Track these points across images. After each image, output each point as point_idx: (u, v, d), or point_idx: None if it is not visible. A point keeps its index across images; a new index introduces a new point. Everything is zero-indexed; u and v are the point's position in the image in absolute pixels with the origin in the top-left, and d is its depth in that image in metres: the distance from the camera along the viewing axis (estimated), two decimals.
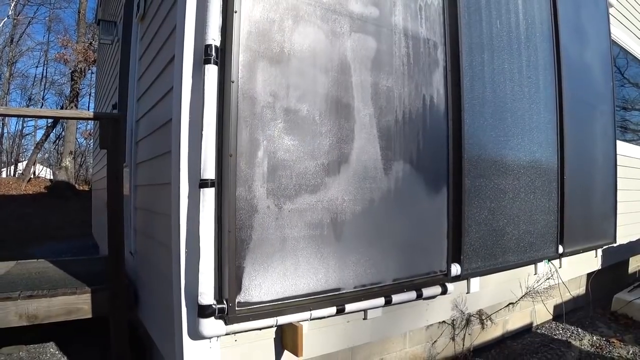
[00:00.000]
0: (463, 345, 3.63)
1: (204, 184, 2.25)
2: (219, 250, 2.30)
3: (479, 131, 3.45)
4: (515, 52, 3.78)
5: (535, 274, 4.18)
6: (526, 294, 3.99)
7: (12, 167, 28.46)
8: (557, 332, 4.37)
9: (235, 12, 2.32)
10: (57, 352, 3.88)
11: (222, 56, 2.33)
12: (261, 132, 2.40)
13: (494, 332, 3.93)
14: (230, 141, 2.30)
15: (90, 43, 20.41)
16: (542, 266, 4.22)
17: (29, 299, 3.15)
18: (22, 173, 21.76)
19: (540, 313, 4.47)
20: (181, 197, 2.34)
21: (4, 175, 25.80)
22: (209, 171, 2.26)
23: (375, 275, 2.82)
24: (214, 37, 2.30)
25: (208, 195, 2.25)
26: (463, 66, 3.30)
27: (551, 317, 4.66)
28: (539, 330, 4.39)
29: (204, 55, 2.29)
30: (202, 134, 2.26)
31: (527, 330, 4.33)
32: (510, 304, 3.93)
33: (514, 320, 4.16)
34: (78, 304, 3.27)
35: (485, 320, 3.74)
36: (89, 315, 3.30)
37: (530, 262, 4.00)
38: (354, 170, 2.73)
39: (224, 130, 2.31)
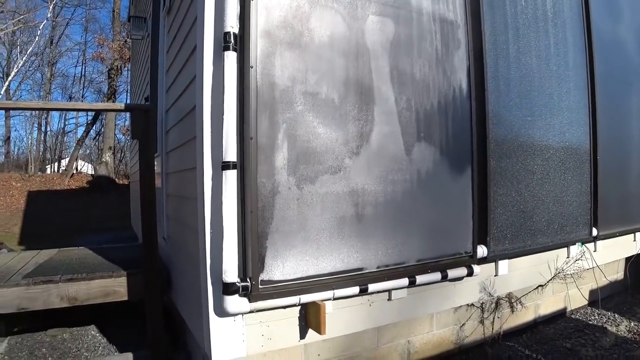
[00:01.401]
0: (492, 329, 3.59)
1: (226, 166, 2.33)
2: (242, 230, 2.37)
3: (504, 111, 3.40)
4: (542, 29, 3.69)
5: (567, 257, 4.09)
6: (555, 275, 3.91)
7: (56, 164, 29.71)
8: (592, 317, 4.27)
9: None
10: (97, 334, 4.07)
11: (241, 43, 2.39)
12: (280, 115, 2.46)
13: (524, 316, 3.88)
14: (250, 125, 2.37)
15: (125, 41, 20.97)
16: (576, 249, 4.12)
17: (69, 282, 3.33)
18: (65, 169, 22.68)
19: (575, 298, 4.37)
20: (205, 179, 2.43)
21: (48, 171, 26.97)
22: (230, 154, 2.33)
23: (398, 255, 2.84)
24: (232, 25, 2.36)
25: (230, 177, 2.33)
26: (486, 45, 3.25)
27: (586, 302, 4.54)
28: (573, 316, 4.30)
29: (223, 42, 2.36)
30: (223, 119, 2.34)
31: (560, 315, 4.25)
32: (539, 286, 3.86)
33: (547, 305, 4.08)
34: (114, 286, 3.43)
35: (515, 304, 3.70)
36: (125, 298, 3.46)
37: (562, 245, 3.92)
38: (375, 151, 2.75)
39: (244, 114, 2.37)
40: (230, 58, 2.35)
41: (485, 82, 3.25)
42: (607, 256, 4.54)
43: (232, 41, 2.35)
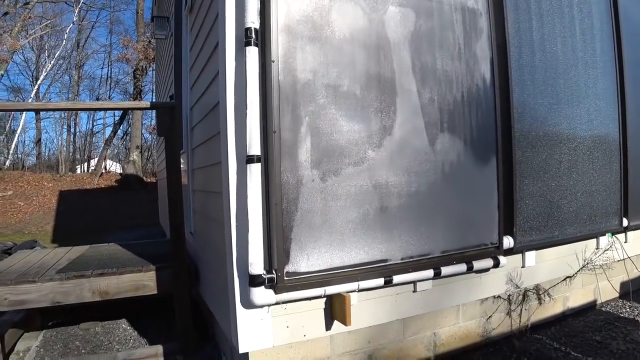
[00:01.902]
0: (520, 321, 3.55)
1: (250, 159, 2.36)
2: (267, 222, 2.41)
3: (529, 100, 3.35)
4: (567, 14, 3.62)
5: (597, 248, 4.01)
6: (583, 266, 3.84)
7: (86, 164, 30.44)
8: (624, 310, 4.17)
9: None
10: (128, 328, 4.19)
11: (262, 38, 2.42)
12: (303, 108, 2.48)
13: (553, 308, 3.82)
14: (273, 118, 2.39)
15: (149, 41, 21.32)
16: (605, 240, 4.04)
17: (100, 277, 3.43)
18: (94, 168, 23.23)
19: (605, 290, 4.28)
20: (230, 173, 2.47)
21: (78, 171, 27.65)
22: (254, 148, 2.36)
23: (423, 247, 2.84)
24: (253, 20, 2.39)
25: (254, 171, 2.36)
26: (509, 33, 3.21)
27: (617, 294, 4.44)
28: (603, 308, 4.21)
29: (244, 38, 2.39)
30: (246, 113, 2.37)
31: (590, 307, 4.17)
32: (567, 277, 3.80)
33: (576, 297, 4.01)
34: (144, 280, 3.52)
35: (542, 296, 3.64)
36: (154, 292, 3.54)
37: (590, 236, 3.85)
38: (399, 142, 2.75)
39: (267, 108, 2.40)
40: (252, 53, 2.38)
41: (509, 70, 3.21)
42: (638, 247, 4.43)
43: (253, 36, 2.38)
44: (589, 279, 4.04)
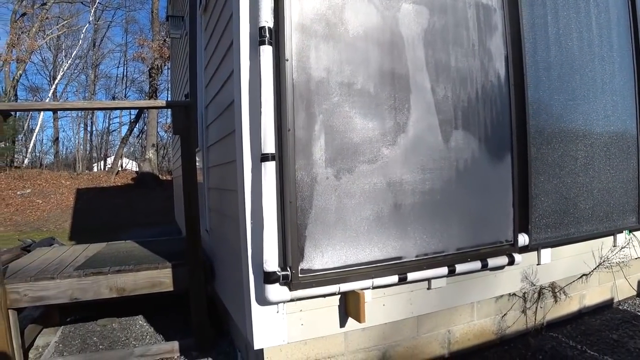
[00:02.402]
0: (535, 319, 3.53)
1: (265, 158, 2.38)
2: (281, 220, 2.43)
3: (544, 96, 3.32)
4: (583, 9, 3.57)
5: (614, 245, 3.96)
6: (600, 264, 3.80)
7: (102, 162, 30.87)
8: None
9: None
10: (144, 324, 4.25)
11: (276, 37, 2.44)
12: (317, 106, 2.49)
13: (569, 306, 3.79)
14: (287, 117, 2.41)
15: (164, 40, 21.53)
16: (622, 237, 3.99)
17: (117, 274, 3.49)
18: (110, 167, 23.54)
19: (622, 288, 4.23)
20: (245, 171, 2.49)
21: (95, 169, 28.05)
22: (269, 146, 2.38)
23: (437, 244, 2.83)
24: (266, 19, 2.40)
25: (269, 169, 2.38)
26: (524, 29, 3.18)
27: (635, 292, 4.39)
28: (620, 307, 4.16)
29: (258, 37, 2.41)
30: (260, 111, 2.39)
31: (607, 306, 4.12)
32: (584, 275, 3.76)
33: (592, 295, 3.97)
34: (160, 277, 3.57)
35: (558, 294, 3.62)
36: (171, 289, 3.59)
37: (607, 233, 3.81)
38: (413, 140, 2.75)
39: (281, 107, 2.42)
40: (266, 52, 2.40)
41: (524, 67, 3.18)
42: None
43: (268, 35, 2.40)
44: (605, 276, 4.00)
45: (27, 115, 26.09)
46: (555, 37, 3.40)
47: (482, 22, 3.03)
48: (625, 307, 4.13)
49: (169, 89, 22.23)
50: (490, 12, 3.07)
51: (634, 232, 4.04)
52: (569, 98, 3.47)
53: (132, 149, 33.26)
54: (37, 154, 29.46)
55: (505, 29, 3.11)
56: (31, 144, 26.46)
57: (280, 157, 2.42)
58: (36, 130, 26.65)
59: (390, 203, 2.67)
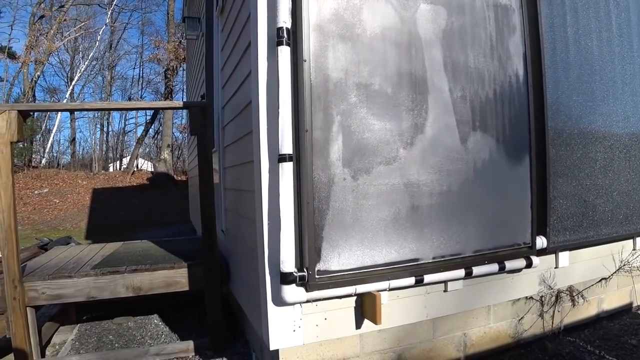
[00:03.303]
0: (552, 323, 3.49)
1: (283, 158, 2.38)
2: (298, 221, 2.43)
3: (563, 97, 3.28)
4: (603, 9, 3.52)
5: (633, 249, 3.90)
6: (620, 268, 3.74)
7: (118, 162, 31.22)
8: None
9: None
10: (160, 323, 4.28)
11: (294, 37, 2.44)
12: (335, 107, 2.48)
13: (587, 310, 3.73)
14: (305, 117, 2.41)
15: (180, 42, 21.71)
16: None
17: (133, 273, 3.52)
18: (126, 167, 23.78)
19: None
20: (262, 172, 2.50)
21: (111, 169, 28.36)
22: (286, 147, 2.38)
23: (454, 246, 2.81)
24: (284, 20, 2.41)
25: (286, 169, 2.38)
26: (543, 29, 3.14)
27: None
28: (639, 311, 4.10)
29: (276, 37, 2.41)
30: (278, 112, 2.39)
31: (626, 310, 4.05)
32: (602, 279, 3.70)
33: (611, 299, 3.91)
34: (176, 277, 3.59)
35: (576, 298, 3.57)
36: (186, 288, 3.61)
37: (627, 237, 3.75)
38: (430, 141, 2.73)
39: (299, 108, 2.42)
40: (284, 53, 2.40)
41: (543, 67, 3.14)
42: None
43: (285, 36, 2.40)
44: (625, 280, 3.93)
45: (45, 116, 26.52)
46: (574, 37, 3.36)
47: (500, 22, 3.00)
48: None
49: (184, 90, 22.44)
50: (508, 12, 3.04)
51: None
52: (589, 99, 3.42)
53: (147, 149, 33.62)
54: (55, 154, 29.94)
55: (523, 29, 3.08)
56: (49, 144, 26.87)
57: (297, 157, 2.42)
58: (54, 131, 27.06)
59: (407, 204, 2.66)
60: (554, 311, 3.49)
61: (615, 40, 3.60)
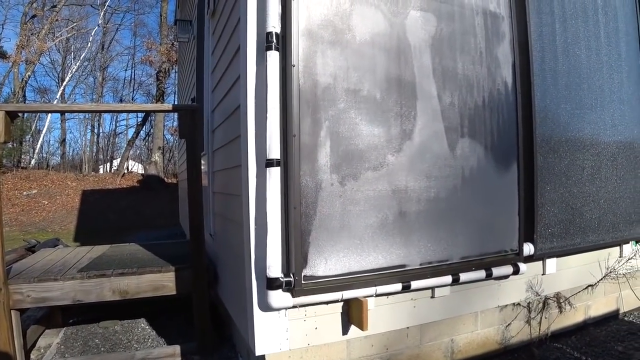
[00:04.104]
0: (539, 329, 3.50)
1: (270, 163, 2.37)
2: (285, 226, 2.42)
3: (551, 105, 3.30)
4: (591, 18, 3.56)
5: (620, 256, 3.93)
6: (606, 275, 3.77)
7: (108, 164, 31.04)
8: None
9: None
10: (147, 327, 4.24)
11: (283, 42, 2.44)
12: (323, 112, 2.48)
13: (574, 317, 3.75)
14: (293, 122, 2.40)
15: (172, 44, 21.65)
16: (629, 248, 3.96)
17: (120, 276, 3.48)
18: (117, 169, 23.64)
19: (628, 299, 4.19)
20: (249, 176, 2.49)
21: (101, 171, 28.18)
22: (274, 151, 2.38)
23: (442, 252, 2.81)
24: (274, 25, 2.41)
25: (274, 174, 2.38)
26: (532, 37, 3.17)
27: None
28: (626, 318, 4.12)
29: (265, 42, 2.41)
30: (266, 117, 2.38)
31: (612, 317, 4.08)
32: (589, 286, 3.73)
33: (597, 306, 3.94)
34: (163, 281, 3.56)
35: (563, 304, 3.58)
36: (174, 292, 3.58)
37: (613, 244, 3.78)
38: (418, 147, 2.74)
39: (287, 112, 2.41)
40: (273, 57, 2.40)
41: (531, 75, 3.17)
42: None
43: (274, 41, 2.40)
44: (611, 287, 3.96)
45: (35, 117, 26.28)
46: (563, 45, 3.39)
47: (489, 29, 3.02)
48: (631, 319, 4.09)
49: (176, 92, 22.31)
50: (498, 20, 3.06)
51: None
52: (576, 107, 3.45)
53: (138, 151, 33.45)
54: (44, 155, 29.65)
55: (512, 37, 3.10)
56: (38, 145, 26.60)
57: (285, 162, 2.41)
58: (43, 132, 26.80)
59: (395, 210, 2.66)
60: (541, 317, 3.50)
61: (604, 49, 3.64)
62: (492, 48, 3.03)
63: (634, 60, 3.85)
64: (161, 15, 23.85)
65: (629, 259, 3.91)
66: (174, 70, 23.35)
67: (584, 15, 3.51)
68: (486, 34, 3.01)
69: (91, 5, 27.58)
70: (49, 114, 25.46)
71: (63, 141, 29.82)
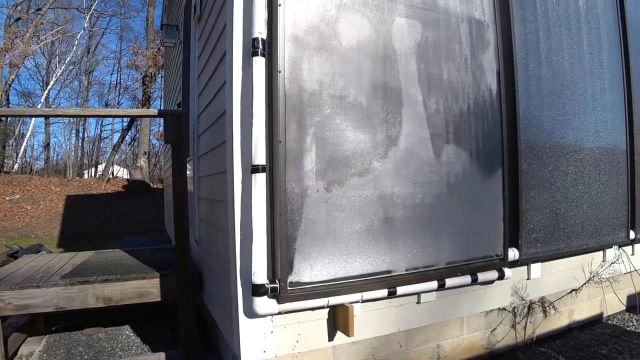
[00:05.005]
0: (524, 334, 3.52)
1: (256, 169, 2.37)
2: (271, 232, 2.41)
3: (535, 111, 3.34)
4: (574, 26, 3.62)
5: (603, 260, 3.98)
6: (590, 279, 3.81)
7: (93, 169, 30.70)
8: (630, 323, 4.13)
9: (280, 5, 2.42)
10: (131, 334, 4.19)
11: (269, 48, 2.43)
12: (309, 118, 2.48)
13: (558, 321, 3.78)
14: (279, 128, 2.40)
15: (159, 48, 21.52)
16: (612, 253, 4.01)
17: (104, 283, 3.44)
18: (101, 174, 23.39)
19: (612, 303, 4.24)
20: (235, 183, 2.48)
21: (86, 176, 27.87)
22: (259, 157, 2.37)
23: (427, 258, 2.82)
24: (260, 31, 2.40)
25: (259, 180, 2.37)
26: (516, 45, 3.21)
27: (624, 308, 4.39)
28: (609, 322, 4.16)
29: (251, 48, 2.41)
30: (252, 122, 2.38)
31: (596, 321, 4.12)
32: (573, 290, 3.77)
33: (582, 310, 3.97)
34: (148, 287, 3.52)
35: (548, 308, 3.61)
36: (158, 299, 3.55)
37: (597, 248, 3.82)
38: (404, 153, 2.75)
39: (273, 118, 2.41)
40: (259, 63, 2.40)
41: (516, 82, 3.20)
42: None
43: (260, 47, 2.40)
44: (595, 291, 4.00)
45: (19, 121, 25.92)
46: (546, 53, 3.44)
47: (474, 37, 3.05)
48: (614, 322, 4.14)
49: (162, 97, 22.22)
50: (482, 27, 3.09)
51: (623, 248, 4.06)
52: (560, 113, 3.50)
53: (123, 156, 33.18)
54: (28, 160, 29.29)
55: (497, 44, 3.14)
56: (22, 149, 26.26)
57: (271, 168, 2.41)
58: (27, 136, 26.47)
59: (381, 216, 2.66)
60: (526, 322, 3.52)
61: (586, 56, 3.70)
62: (477, 55, 3.06)
63: (615, 67, 3.92)
64: (147, 20, 23.75)
65: (612, 264, 3.96)
66: (160, 75, 23.22)
67: (567, 24, 3.56)
68: (471, 42, 3.03)
69: (77, 9, 27.37)
70: (33, 118, 25.14)
71: (47, 145, 29.47)
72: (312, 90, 2.50)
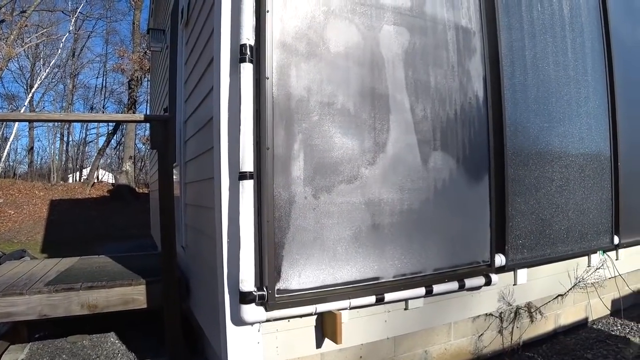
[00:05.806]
0: (511, 339, 3.54)
1: (243, 176, 2.35)
2: (258, 239, 2.39)
3: (521, 118, 3.38)
4: (559, 34, 3.67)
5: (588, 266, 4.02)
6: (575, 285, 3.85)
7: (78, 173, 30.32)
8: (615, 327, 4.17)
9: (268, 11, 2.42)
10: (116, 341, 4.13)
11: (257, 54, 2.43)
12: (297, 125, 2.48)
13: (545, 326, 3.81)
14: (267, 135, 2.39)
15: (145, 52, 21.36)
16: (597, 258, 4.05)
17: (89, 290, 3.39)
18: (86, 178, 23.11)
19: (597, 308, 4.29)
20: (222, 189, 2.46)
21: (70, 180, 27.48)
22: (247, 164, 2.36)
23: (415, 264, 2.83)
24: (248, 37, 2.40)
25: (247, 187, 2.35)
26: (502, 52, 3.24)
27: (608, 312, 4.44)
28: (594, 326, 4.21)
29: (239, 54, 2.40)
30: (240, 129, 2.36)
31: (581, 325, 4.16)
32: (559, 295, 3.80)
33: (567, 315, 4.01)
34: (134, 294, 3.48)
35: (534, 314, 3.64)
36: (144, 306, 3.50)
37: (582, 254, 3.86)
38: (392, 160, 2.76)
39: (260, 125, 2.40)
40: (247, 69, 2.39)
41: (502, 89, 3.24)
42: (629, 265, 4.45)
43: (248, 53, 2.39)
44: (580, 296, 4.04)
45: (2, 124, 25.54)
46: (532, 60, 3.48)
47: (461, 44, 3.08)
48: (599, 327, 4.18)
49: (148, 101, 22.03)
50: (469, 34, 3.12)
51: (607, 253, 4.11)
52: (545, 120, 3.54)
53: (108, 160, 32.83)
54: (11, 163, 28.85)
55: (483, 52, 3.17)
56: (5, 153, 25.80)
57: (258, 175, 2.40)
58: (10, 139, 26.01)
59: (369, 223, 2.66)
60: (513, 327, 3.54)
61: (571, 64, 3.75)
62: (464, 62, 3.08)
63: (599, 75, 3.98)
64: (134, 24, 23.57)
65: (597, 269, 4.00)
66: (146, 79, 23.05)
67: (552, 32, 3.61)
68: (458, 49, 3.06)
69: (62, 12, 27.09)
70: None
71: (31, 149, 29.04)
72: (300, 97, 2.50)
